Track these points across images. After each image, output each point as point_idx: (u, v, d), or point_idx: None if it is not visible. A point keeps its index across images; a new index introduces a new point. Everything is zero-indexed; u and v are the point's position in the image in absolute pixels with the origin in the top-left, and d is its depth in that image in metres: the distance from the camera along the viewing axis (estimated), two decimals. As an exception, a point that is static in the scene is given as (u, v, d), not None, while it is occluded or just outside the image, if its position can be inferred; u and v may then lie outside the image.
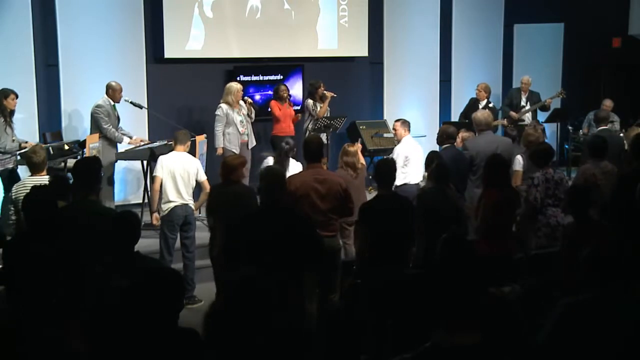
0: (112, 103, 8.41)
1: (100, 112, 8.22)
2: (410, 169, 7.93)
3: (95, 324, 3.57)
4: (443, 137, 7.54)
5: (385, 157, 9.12)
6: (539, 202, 6.18)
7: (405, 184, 7.71)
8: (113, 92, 8.38)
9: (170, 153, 7.05)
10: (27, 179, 5.94)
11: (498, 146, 7.18)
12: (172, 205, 6.79)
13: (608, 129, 8.48)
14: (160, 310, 3.12)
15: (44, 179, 5.85)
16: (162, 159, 6.94)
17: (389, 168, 5.61)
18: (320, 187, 5.52)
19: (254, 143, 9.30)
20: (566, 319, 3.38)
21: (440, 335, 2.68)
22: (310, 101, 9.93)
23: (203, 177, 7.02)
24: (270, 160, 7.11)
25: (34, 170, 5.91)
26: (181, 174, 6.84)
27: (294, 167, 7.03)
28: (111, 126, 8.25)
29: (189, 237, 6.93)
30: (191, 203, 6.92)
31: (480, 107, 10.58)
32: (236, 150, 8.88)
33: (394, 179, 5.68)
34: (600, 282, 3.43)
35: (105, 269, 4.00)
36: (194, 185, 6.98)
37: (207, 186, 6.97)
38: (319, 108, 9.84)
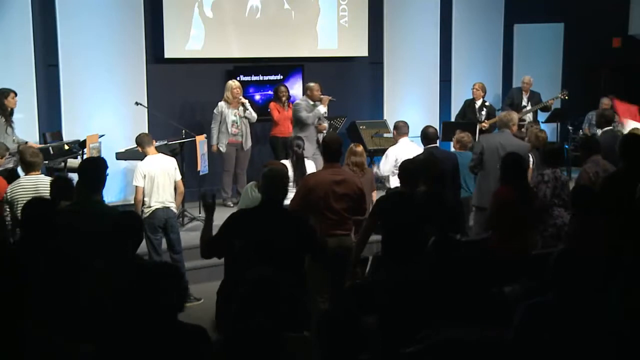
0: (312, 102, 8.95)
1: (299, 108, 8.91)
2: None
3: (98, 324, 3.56)
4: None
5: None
6: (549, 198, 6.17)
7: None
8: (311, 92, 8.98)
9: (146, 158, 6.94)
10: (23, 179, 5.90)
11: (509, 146, 6.98)
12: (153, 208, 6.81)
13: (611, 129, 8.47)
14: (161, 305, 3.10)
15: (39, 178, 5.82)
16: (140, 167, 6.88)
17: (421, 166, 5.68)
18: (337, 187, 5.56)
19: (250, 145, 9.31)
20: (530, 320, 3.38)
21: (446, 331, 2.70)
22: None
23: (178, 177, 7.01)
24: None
25: (29, 169, 5.87)
26: (161, 177, 6.82)
27: (309, 166, 7.07)
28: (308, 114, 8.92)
29: (173, 238, 6.93)
30: (172, 207, 6.90)
31: (477, 106, 10.59)
32: (222, 149, 9.11)
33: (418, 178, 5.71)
34: (563, 283, 3.42)
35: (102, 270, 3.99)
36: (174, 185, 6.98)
37: (181, 186, 7.04)
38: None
